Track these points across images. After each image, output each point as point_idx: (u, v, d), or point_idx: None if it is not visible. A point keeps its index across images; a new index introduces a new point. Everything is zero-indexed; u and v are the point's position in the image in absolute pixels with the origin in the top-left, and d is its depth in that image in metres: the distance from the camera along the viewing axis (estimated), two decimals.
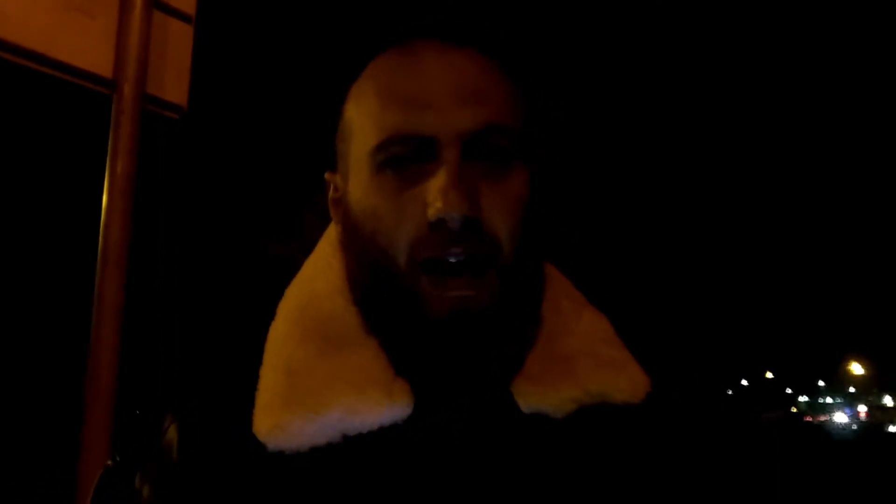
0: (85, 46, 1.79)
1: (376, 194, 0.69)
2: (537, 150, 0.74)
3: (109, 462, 0.74)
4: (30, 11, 1.69)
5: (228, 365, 0.77)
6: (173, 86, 1.98)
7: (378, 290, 0.70)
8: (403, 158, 0.68)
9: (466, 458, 0.68)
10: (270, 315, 0.76)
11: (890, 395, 58.91)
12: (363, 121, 0.72)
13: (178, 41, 1.99)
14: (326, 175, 0.80)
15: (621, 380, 0.73)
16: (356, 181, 0.72)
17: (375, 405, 0.67)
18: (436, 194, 0.66)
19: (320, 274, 0.77)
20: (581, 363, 0.73)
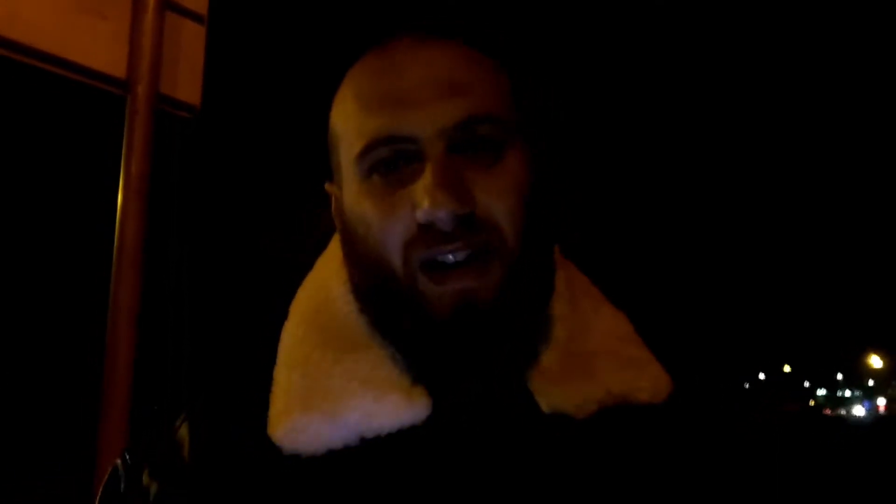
0: (98, 47, 1.80)
1: (366, 200, 0.67)
2: (534, 136, 0.72)
3: (119, 461, 0.74)
4: (43, 13, 1.70)
5: (240, 365, 0.76)
6: (186, 86, 1.98)
7: (378, 295, 0.68)
8: (389, 161, 0.67)
9: (486, 460, 0.66)
10: (282, 315, 0.75)
11: None
12: (345, 127, 0.70)
13: (190, 41, 2.00)
14: (326, 186, 0.78)
15: (643, 379, 0.72)
16: (348, 189, 0.70)
17: (394, 408, 0.66)
18: (422, 194, 0.64)
19: (333, 275, 0.76)
20: (602, 362, 0.72)
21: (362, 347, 0.70)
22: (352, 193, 0.69)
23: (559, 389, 0.69)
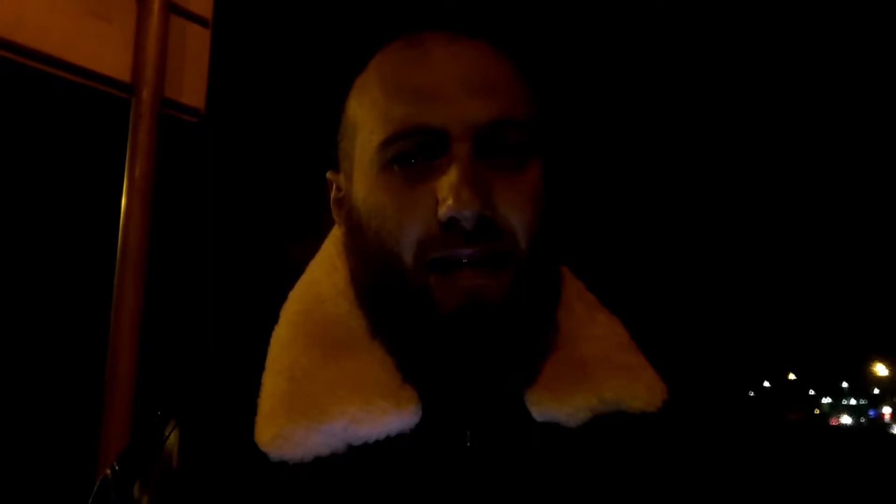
0: (103, 51, 1.80)
1: (383, 191, 0.66)
2: (551, 145, 0.71)
3: (108, 471, 0.72)
4: (49, 18, 1.71)
5: (230, 369, 0.75)
6: (191, 89, 1.99)
7: (383, 289, 0.67)
8: (412, 154, 0.65)
9: (476, 469, 0.65)
10: (273, 318, 0.74)
11: None
12: (367, 115, 0.68)
13: (195, 45, 2.00)
14: (328, 175, 0.77)
15: (637, 386, 0.71)
16: (361, 179, 0.68)
17: (382, 414, 0.65)
18: (447, 192, 0.63)
19: (325, 277, 0.75)
20: (596, 369, 0.71)
21: (351, 352, 0.69)
22: (366, 183, 0.67)
23: (552, 397, 0.68)
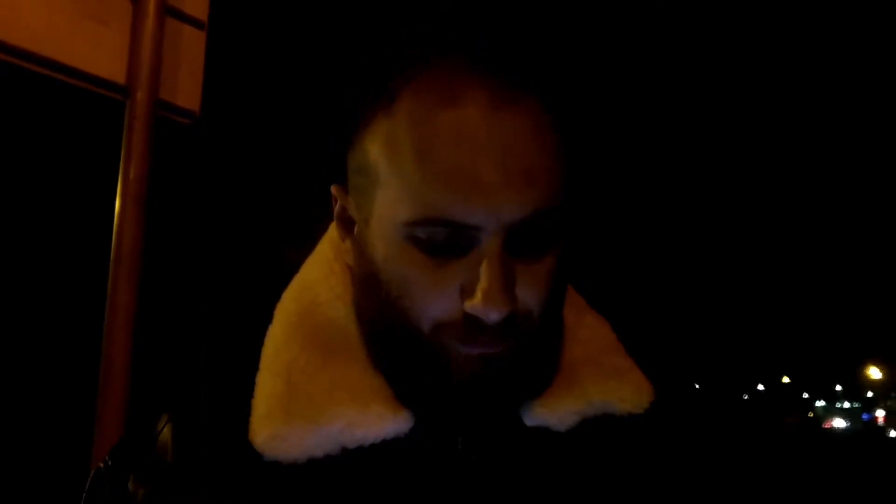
0: (99, 53, 1.80)
1: (406, 265, 0.63)
2: (574, 225, 0.69)
3: (101, 464, 0.72)
4: (44, 19, 1.71)
5: (223, 368, 0.74)
6: (186, 92, 1.99)
7: (396, 342, 0.66)
8: (440, 241, 0.63)
9: (469, 474, 0.66)
10: (266, 318, 0.74)
11: None
12: (394, 176, 0.64)
13: (190, 47, 2.00)
14: (333, 189, 0.73)
15: (624, 389, 0.71)
16: (380, 235, 0.66)
17: (377, 419, 0.65)
18: (477, 289, 0.61)
19: (322, 278, 0.74)
20: (584, 373, 0.71)
21: (348, 355, 0.69)
22: (386, 245, 0.65)
23: (542, 401, 0.68)
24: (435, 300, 0.63)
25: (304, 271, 0.77)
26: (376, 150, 0.65)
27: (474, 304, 0.61)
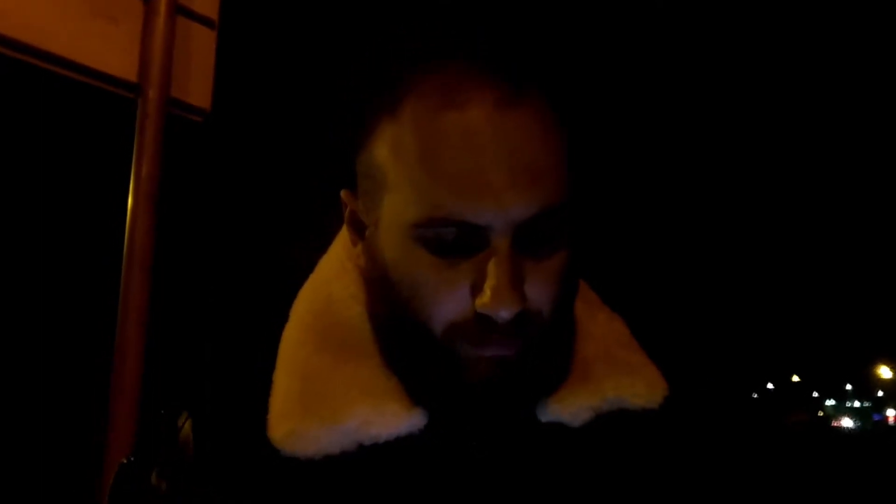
0: (110, 51, 1.81)
1: (415, 266, 0.64)
2: (581, 222, 0.69)
3: (125, 460, 0.74)
4: (55, 18, 1.72)
5: (241, 366, 0.75)
6: (197, 89, 1.99)
7: (408, 343, 0.66)
8: (448, 242, 0.63)
9: (483, 470, 0.67)
10: (282, 317, 0.74)
11: None
12: (402, 180, 0.64)
13: (201, 45, 2.01)
14: (343, 195, 0.74)
15: (638, 384, 0.72)
16: (390, 238, 0.66)
17: (393, 416, 0.66)
18: (486, 288, 0.62)
19: (335, 278, 0.75)
20: (598, 369, 0.71)
21: (363, 354, 0.69)
22: (396, 247, 0.66)
23: (556, 397, 0.69)
24: (445, 301, 0.64)
25: (318, 271, 0.78)
26: (383, 153, 0.66)
27: (484, 303, 0.62)
